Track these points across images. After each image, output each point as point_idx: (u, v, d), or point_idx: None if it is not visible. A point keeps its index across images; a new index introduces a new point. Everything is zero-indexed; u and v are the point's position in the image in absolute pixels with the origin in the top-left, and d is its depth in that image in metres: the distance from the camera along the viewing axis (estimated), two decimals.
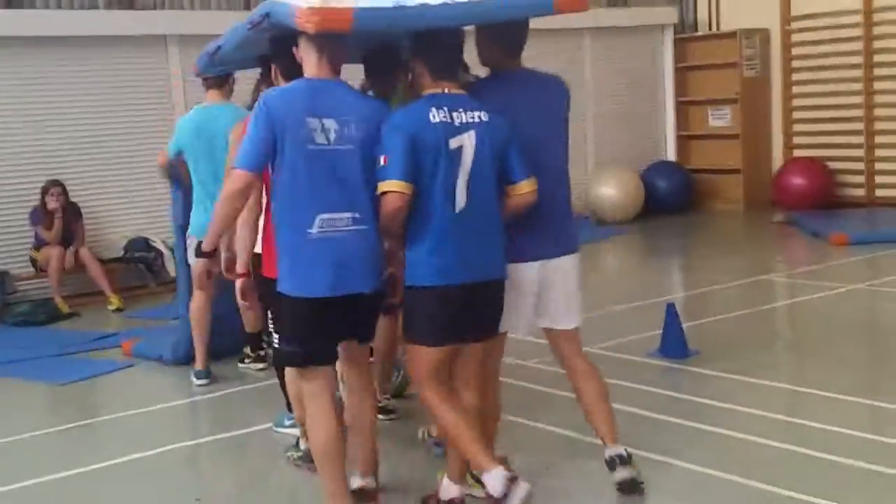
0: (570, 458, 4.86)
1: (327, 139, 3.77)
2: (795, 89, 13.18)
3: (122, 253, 9.60)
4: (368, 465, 4.19)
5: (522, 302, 4.16)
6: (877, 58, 12.34)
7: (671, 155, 13.91)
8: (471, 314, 3.93)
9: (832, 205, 12.46)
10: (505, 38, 4.20)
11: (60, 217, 9.02)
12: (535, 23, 12.22)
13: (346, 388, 4.27)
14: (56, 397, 6.61)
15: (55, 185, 9.07)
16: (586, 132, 13.25)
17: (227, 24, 5.01)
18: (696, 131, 13.86)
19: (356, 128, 3.82)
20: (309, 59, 3.89)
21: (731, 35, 13.22)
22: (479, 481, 4.14)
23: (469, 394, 4.07)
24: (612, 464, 4.34)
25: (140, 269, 9.58)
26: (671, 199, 13.09)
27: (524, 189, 3.98)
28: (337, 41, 3.87)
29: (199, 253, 4.13)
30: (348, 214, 3.79)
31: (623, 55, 13.48)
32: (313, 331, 3.83)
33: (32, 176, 9.30)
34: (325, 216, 3.76)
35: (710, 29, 13.86)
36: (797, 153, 13.13)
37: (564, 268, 4.24)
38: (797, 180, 12.52)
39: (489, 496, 3.86)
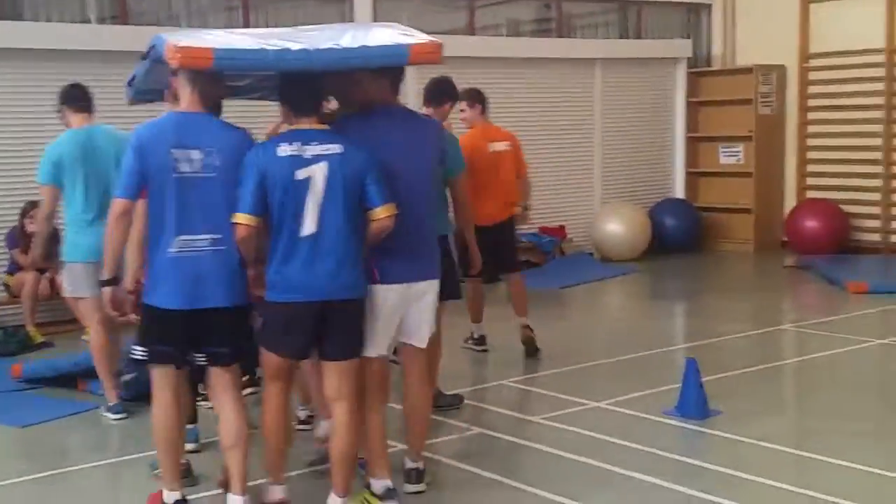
0: None
1: (191, 168, 4.22)
2: (811, 128, 12.74)
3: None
4: (241, 482, 4.38)
5: (387, 323, 4.49)
6: None
7: (680, 192, 13.44)
8: (324, 330, 4.30)
9: (846, 249, 12.01)
10: (387, 76, 4.55)
11: None
12: (544, 51, 11.82)
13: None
14: (20, 441, 6.05)
15: (35, 208, 8.53)
16: (594, 165, 12.79)
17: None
18: (706, 168, 13.40)
19: (218, 157, 4.23)
20: (183, 92, 4.35)
21: (747, 71, 12.78)
22: (375, 496, 4.56)
23: (339, 408, 4.38)
24: (408, 475, 4.76)
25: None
26: (679, 238, 12.62)
27: (381, 214, 4.31)
28: (209, 77, 4.31)
29: (103, 283, 4.44)
30: (208, 236, 4.23)
31: (634, 87, 13.04)
32: (166, 337, 4.29)
33: (9, 197, 8.82)
34: (185, 237, 4.22)
35: (724, 64, 13.43)
36: (811, 194, 12.67)
37: (425, 291, 4.58)
38: (810, 223, 12.06)
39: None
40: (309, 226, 4.21)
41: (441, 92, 6.34)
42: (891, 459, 5.16)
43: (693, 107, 13.42)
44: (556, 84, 12.35)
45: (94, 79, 9.07)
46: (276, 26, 10.12)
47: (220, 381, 4.44)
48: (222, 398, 4.43)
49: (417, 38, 4.42)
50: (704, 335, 8.17)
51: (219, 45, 4.23)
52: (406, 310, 4.55)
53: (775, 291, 10.60)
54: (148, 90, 5.24)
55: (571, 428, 5.75)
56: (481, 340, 7.76)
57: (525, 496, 4.77)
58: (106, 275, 4.40)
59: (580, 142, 12.66)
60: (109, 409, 6.22)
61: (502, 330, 7.99)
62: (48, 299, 8.67)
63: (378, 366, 4.54)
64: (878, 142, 12.03)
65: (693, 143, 13.47)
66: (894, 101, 11.90)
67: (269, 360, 4.38)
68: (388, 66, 4.48)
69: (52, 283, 8.56)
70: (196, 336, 4.32)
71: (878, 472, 4.98)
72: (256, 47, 4.23)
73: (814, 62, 12.64)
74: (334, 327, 4.30)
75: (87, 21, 9.38)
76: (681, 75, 13.33)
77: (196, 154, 4.22)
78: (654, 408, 6.08)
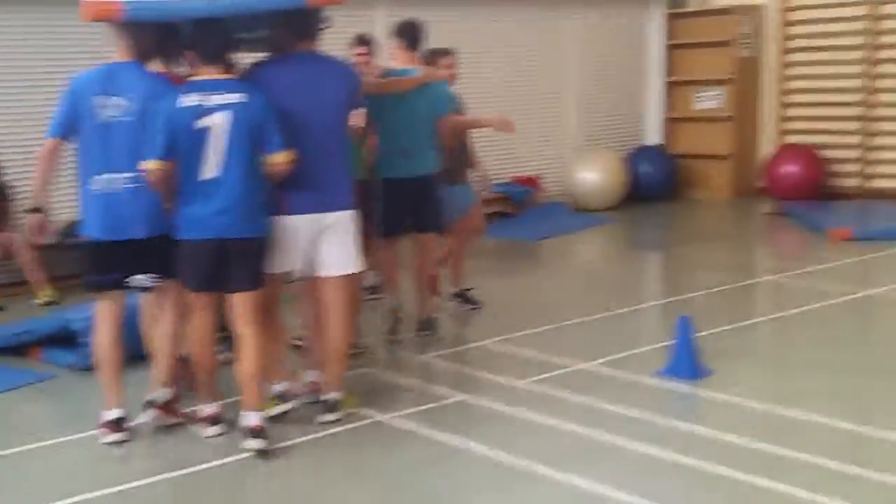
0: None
1: (114, 113, 4.71)
2: (790, 71, 12.41)
3: (58, 239, 8.57)
4: (167, 377, 5.01)
5: (295, 248, 4.89)
6: (881, 39, 11.55)
7: (655, 138, 13.08)
8: (226, 266, 4.70)
9: (823, 195, 11.74)
10: (292, 24, 4.90)
11: None
12: None
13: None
14: None
15: None
16: (567, 112, 12.38)
17: None
18: (683, 114, 13.04)
19: (137, 103, 4.69)
20: (117, 45, 4.82)
21: (725, 12, 12.39)
22: (278, 397, 5.05)
23: (246, 334, 4.77)
24: (325, 406, 5.06)
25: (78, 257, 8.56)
26: (655, 186, 12.31)
27: (277, 160, 4.70)
28: (135, 30, 4.75)
29: (28, 210, 4.91)
30: (127, 175, 4.70)
31: (608, 30, 12.62)
32: (99, 265, 4.83)
33: None
34: (106, 175, 4.73)
35: (701, 5, 13.02)
36: (789, 139, 12.37)
37: (336, 222, 4.94)
38: (788, 168, 11.79)
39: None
40: (210, 170, 4.62)
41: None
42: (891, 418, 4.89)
43: (669, 50, 13.02)
44: (526, 27, 11.89)
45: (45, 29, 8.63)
46: None
47: (162, 293, 4.98)
48: (160, 314, 5.02)
49: None
50: (687, 288, 7.86)
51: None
52: (318, 241, 4.92)
53: (756, 240, 10.34)
54: None
55: (560, 393, 5.41)
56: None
57: (518, 473, 4.43)
58: (31, 203, 4.86)
59: (552, 87, 12.23)
60: None
61: (483, 286, 7.65)
62: (3, 260, 8.20)
63: (277, 283, 5.00)
64: (857, 83, 11.73)
65: (670, 87, 13.09)
66: (875, 43, 11.58)
67: (191, 296, 4.83)
68: (292, 12, 4.83)
69: (7, 243, 8.11)
70: (127, 264, 4.83)
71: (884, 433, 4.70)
72: (163, 2, 4.68)
73: (794, 2, 12.27)
74: (235, 262, 4.70)
75: None
76: (656, 16, 12.91)
77: (118, 100, 4.71)
78: (644, 368, 5.77)
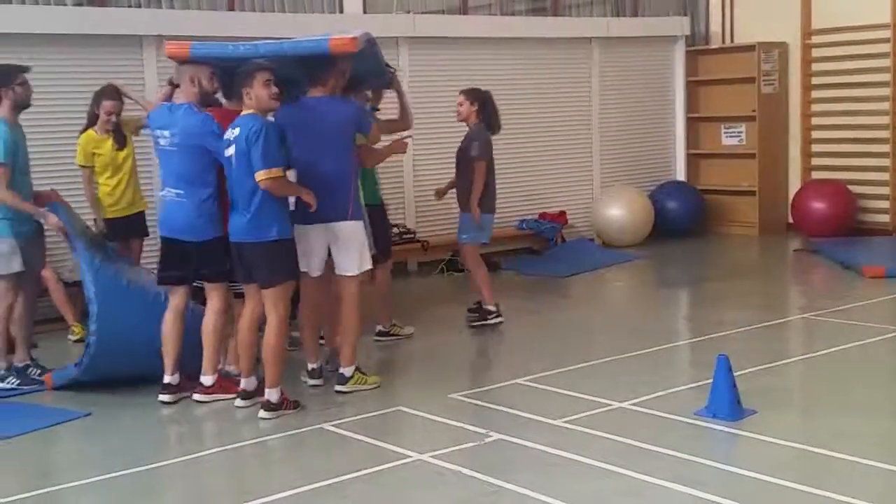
0: None
1: (165, 143, 6.11)
2: (815, 107, 12.37)
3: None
4: (210, 364, 6.14)
5: (312, 251, 6.09)
6: None
7: (681, 174, 13.05)
8: (240, 264, 5.91)
9: (854, 231, 11.64)
10: (305, 74, 6.11)
11: None
12: (538, 30, 11.91)
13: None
14: (2, 455, 5.60)
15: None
16: (592, 148, 12.36)
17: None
18: (708, 149, 13.02)
19: (179, 136, 6.04)
20: (181, 90, 6.23)
21: (748, 48, 12.39)
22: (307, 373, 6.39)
23: (270, 319, 5.83)
24: (339, 378, 6.21)
25: None
26: (681, 222, 12.24)
27: (260, 177, 5.69)
28: (192, 78, 6.09)
29: None
30: (175, 190, 6.08)
31: (632, 67, 12.62)
32: (162, 261, 6.26)
33: None
34: (166, 189, 6.15)
35: (723, 41, 13.04)
36: (816, 175, 12.31)
37: (340, 230, 6.07)
38: (817, 204, 11.70)
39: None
40: (235, 188, 5.81)
41: None
42: None
43: (693, 86, 13.03)
44: (552, 65, 11.91)
45: (71, 65, 8.74)
46: (262, 10, 9.78)
47: (208, 292, 6.14)
48: (208, 305, 6.15)
49: (341, 35, 5.96)
50: (719, 326, 7.78)
51: (197, 42, 6.18)
52: (332, 244, 6.07)
53: (788, 277, 10.25)
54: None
55: (597, 432, 5.35)
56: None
57: None
58: None
59: (578, 124, 12.24)
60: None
61: (511, 323, 7.62)
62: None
63: (304, 280, 6.11)
64: (884, 120, 11.65)
65: (693, 123, 13.08)
66: None
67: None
68: (313, 63, 6.04)
69: (38, 280, 8.09)
70: (179, 265, 6.09)
71: None
72: (222, 45, 6.26)
73: (816, 38, 12.26)
74: (250, 263, 5.81)
75: (63, 3, 8.89)
76: (679, 54, 12.90)
77: (167, 133, 6.06)
78: (683, 408, 5.69)
